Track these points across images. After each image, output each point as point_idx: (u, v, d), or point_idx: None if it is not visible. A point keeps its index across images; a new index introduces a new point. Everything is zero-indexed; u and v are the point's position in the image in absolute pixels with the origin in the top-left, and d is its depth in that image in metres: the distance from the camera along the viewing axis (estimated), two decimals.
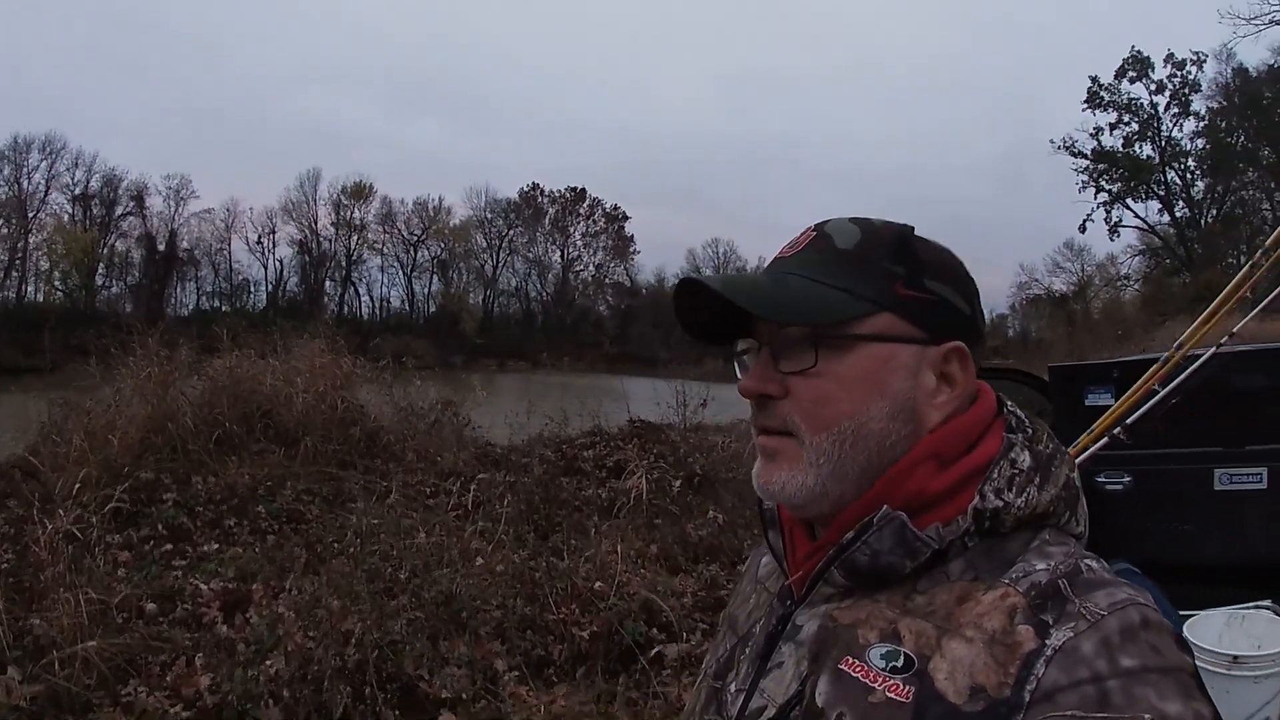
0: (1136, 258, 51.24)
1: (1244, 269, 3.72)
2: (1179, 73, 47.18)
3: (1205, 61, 45.84)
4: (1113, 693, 0.76)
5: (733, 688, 1.04)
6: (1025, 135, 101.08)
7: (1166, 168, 48.19)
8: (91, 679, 4.20)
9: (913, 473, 0.93)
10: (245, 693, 4.10)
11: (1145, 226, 48.94)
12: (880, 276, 0.95)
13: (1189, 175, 48.55)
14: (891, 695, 0.85)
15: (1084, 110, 49.51)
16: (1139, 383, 3.76)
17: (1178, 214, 48.93)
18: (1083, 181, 48.52)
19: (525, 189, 79.39)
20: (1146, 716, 0.74)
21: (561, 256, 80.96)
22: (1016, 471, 0.92)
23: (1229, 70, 44.97)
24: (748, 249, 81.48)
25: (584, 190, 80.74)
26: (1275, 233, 3.66)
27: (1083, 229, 50.16)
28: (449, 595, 5.21)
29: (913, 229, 1.01)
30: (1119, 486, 4.31)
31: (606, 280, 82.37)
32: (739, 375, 1.03)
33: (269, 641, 4.50)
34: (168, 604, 5.25)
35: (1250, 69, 43.58)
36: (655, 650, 5.16)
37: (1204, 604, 3.32)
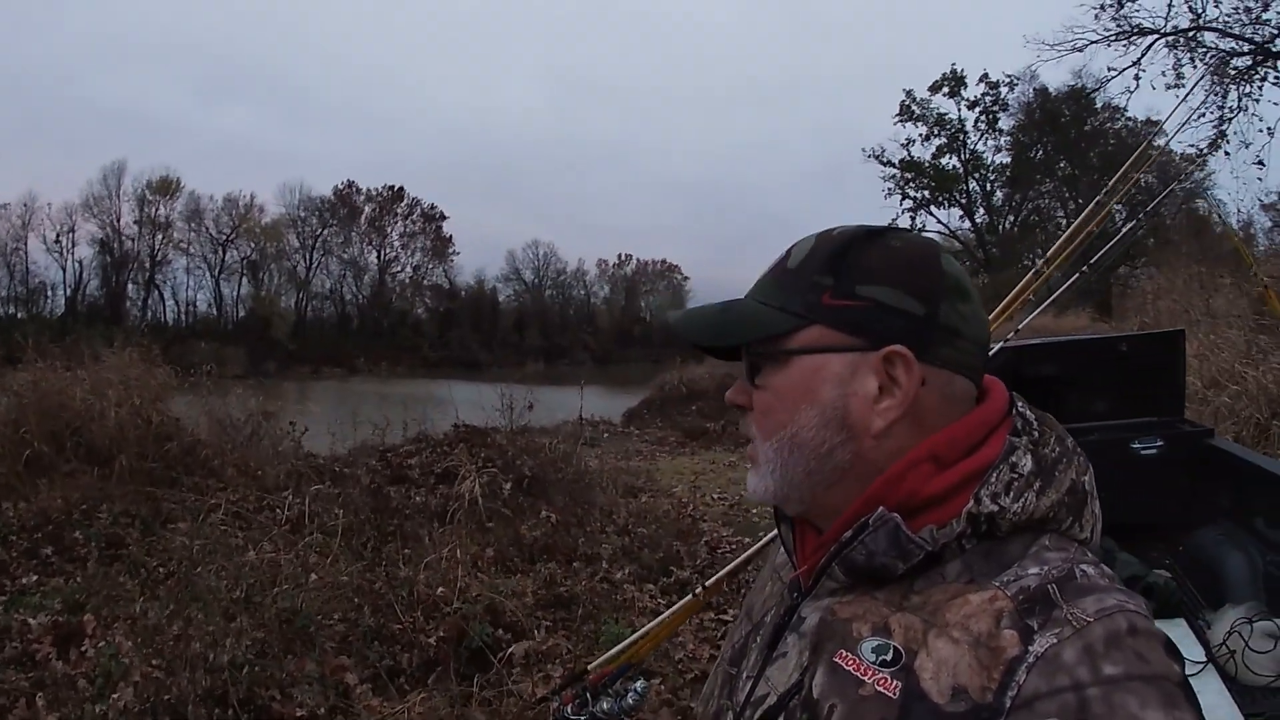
0: None
1: (1030, 274, 4.13)
2: (991, 91, 50.04)
3: (1015, 84, 48.84)
4: (1092, 701, 0.77)
5: (744, 675, 1.08)
6: (840, 144, 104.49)
7: (970, 178, 50.92)
8: None
9: (909, 474, 0.94)
10: None
11: (947, 231, 51.39)
12: (808, 290, 0.99)
13: (989, 185, 51.48)
14: (880, 689, 0.86)
15: (895, 123, 51.70)
16: None
17: (978, 220, 51.81)
18: (889, 189, 50.74)
19: (340, 186, 76.56)
20: None
21: (378, 257, 78.48)
22: (1015, 476, 0.92)
23: (1031, 90, 48.00)
24: (569, 251, 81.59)
25: (402, 189, 78.61)
26: (1057, 244, 4.08)
27: None
28: (291, 612, 5.15)
29: (876, 231, 1.02)
30: None
31: (425, 282, 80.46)
32: None
33: (116, 673, 4.37)
34: None
35: (1051, 90, 46.59)
36: (508, 651, 5.25)
37: None
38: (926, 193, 51.19)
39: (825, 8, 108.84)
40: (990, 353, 4.27)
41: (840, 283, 0.98)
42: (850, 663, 0.91)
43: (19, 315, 58.24)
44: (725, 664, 1.16)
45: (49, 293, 66.01)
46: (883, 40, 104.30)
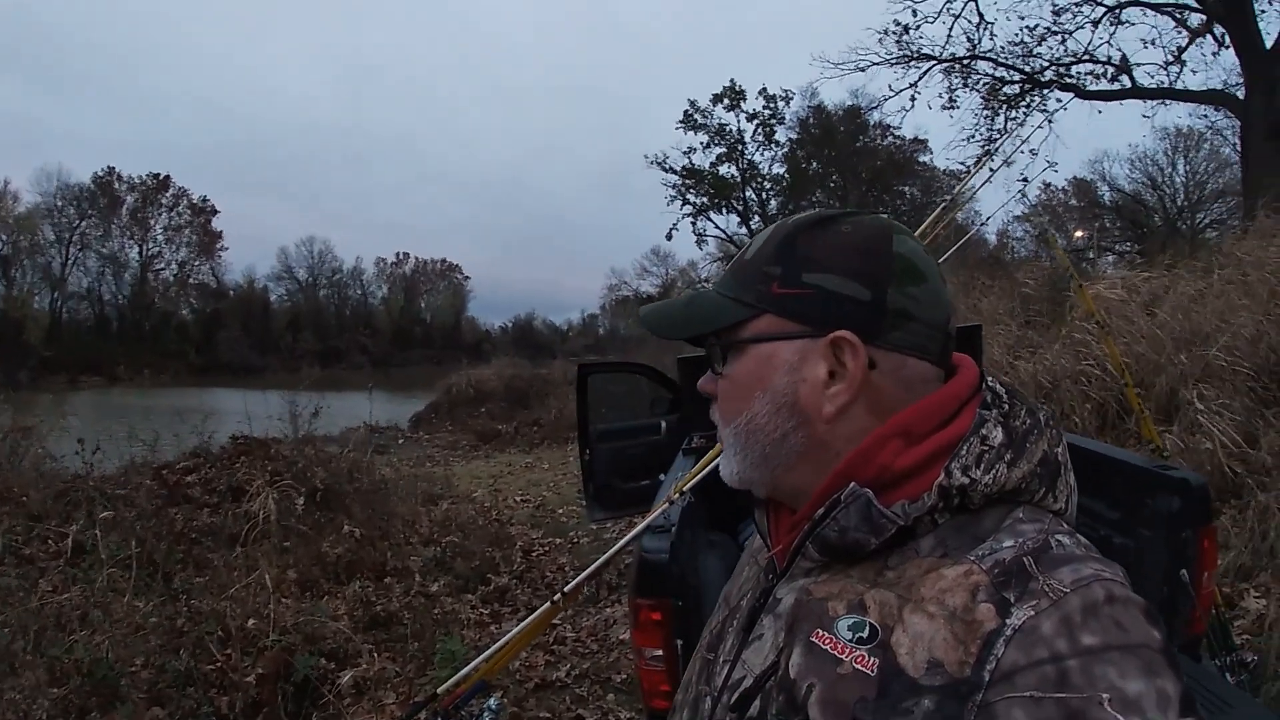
0: (716, 263, 55.95)
1: None
2: (769, 105, 51.63)
3: (793, 98, 50.84)
4: (1071, 672, 0.77)
5: (721, 659, 1.08)
6: (628, 148, 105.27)
7: (747, 186, 52.72)
8: None
9: (880, 449, 0.95)
10: None
11: (725, 236, 53.21)
12: (759, 280, 1.01)
13: (765, 194, 53.37)
14: (858, 667, 0.86)
15: (678, 129, 52.82)
16: None
17: (754, 226, 53.81)
18: (671, 195, 51.94)
19: (101, 174, 70.57)
20: (1105, 696, 0.75)
21: (140, 253, 72.88)
22: (986, 448, 0.93)
23: (808, 106, 50.28)
24: (345, 249, 78.88)
25: (168, 178, 73.60)
26: None
27: (669, 237, 53.76)
28: (90, 661, 4.71)
29: (828, 218, 1.03)
30: None
31: (191, 280, 75.55)
32: None
33: None
34: None
35: (829, 107, 49.12)
36: (337, 681, 5.00)
37: None
38: (706, 199, 52.70)
39: (621, 13, 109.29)
40: None
41: (787, 271, 1.00)
42: (827, 641, 0.91)
43: None
44: (703, 650, 1.16)
45: None
46: (672, 52, 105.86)
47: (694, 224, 51.78)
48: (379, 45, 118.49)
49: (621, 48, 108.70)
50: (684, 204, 51.90)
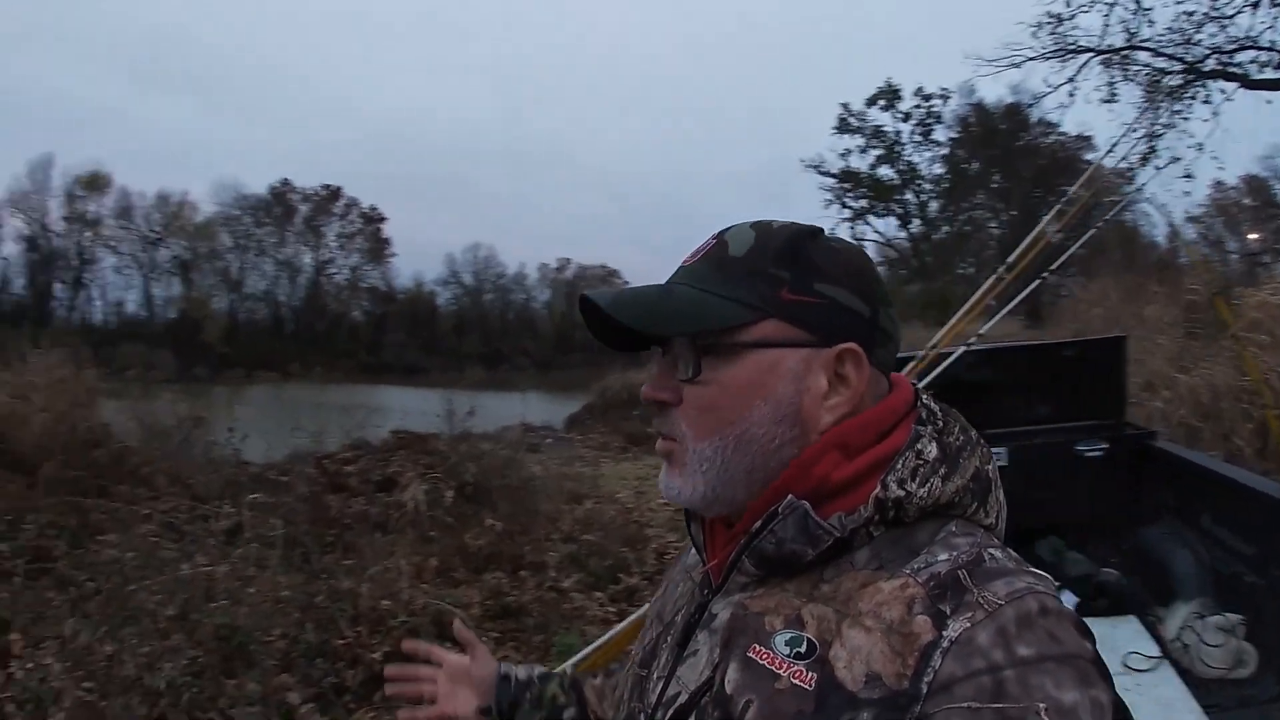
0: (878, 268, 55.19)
1: (990, 280, 4.13)
2: (925, 105, 50.80)
3: (950, 97, 49.83)
4: (1008, 682, 0.77)
5: (654, 675, 1.07)
6: (783, 154, 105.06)
7: (906, 189, 51.66)
8: None
9: (818, 462, 0.94)
10: None
11: (884, 240, 52.23)
12: (765, 283, 0.97)
13: (925, 196, 52.27)
14: (796, 682, 0.86)
15: (833, 135, 52.16)
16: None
17: (913, 230, 52.62)
18: (828, 199, 51.32)
19: (276, 185, 74.67)
20: (1041, 706, 0.76)
21: (314, 259, 76.64)
22: (921, 462, 0.94)
23: (967, 104, 49.01)
24: (509, 254, 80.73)
25: (339, 189, 76.99)
26: (1017, 251, 4.09)
27: None
28: (229, 628, 4.97)
29: (815, 230, 1.03)
30: None
31: (362, 284, 78.76)
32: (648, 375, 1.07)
33: (47, 699, 4.15)
34: None
35: (988, 105, 47.52)
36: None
37: None
38: (865, 202, 51.81)
39: (771, 13, 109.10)
40: (953, 356, 4.28)
41: (797, 278, 0.98)
42: (764, 657, 0.90)
43: None
44: (635, 667, 1.14)
45: None
46: (824, 53, 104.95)
47: (852, 228, 50.86)
48: (534, 57, 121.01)
49: (769, 55, 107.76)
50: (842, 208, 51.23)
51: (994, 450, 3.33)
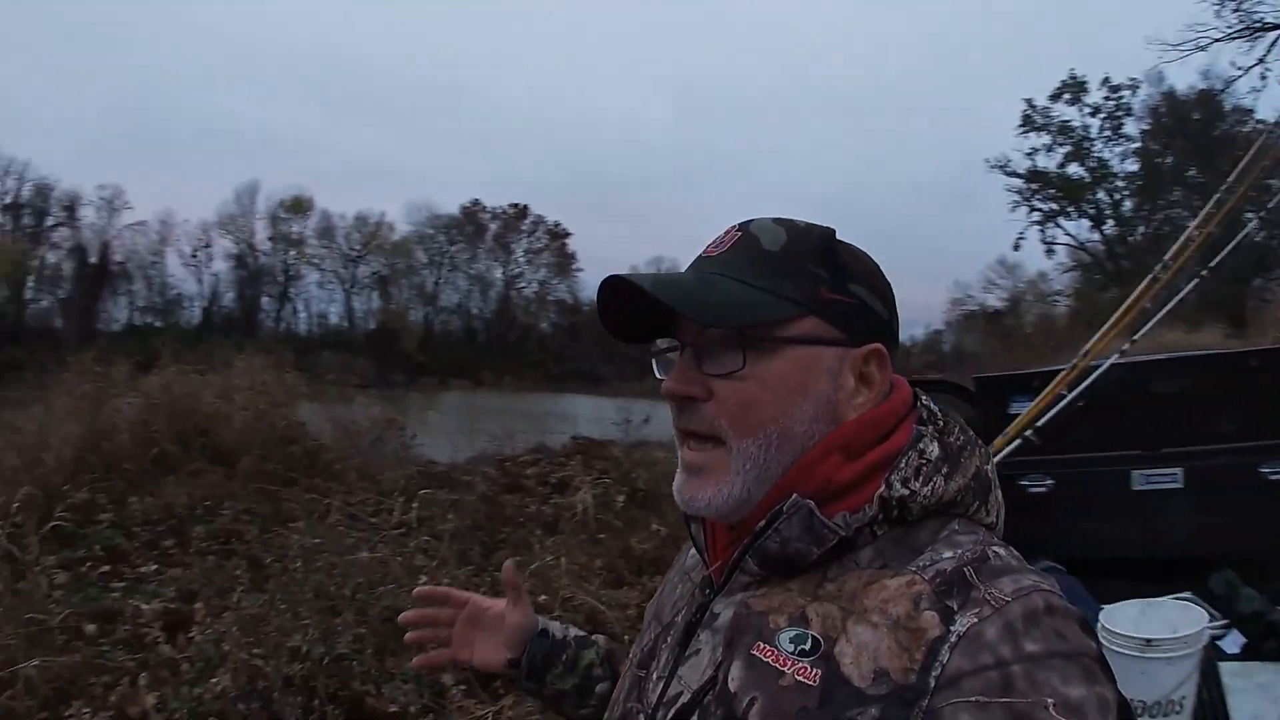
0: (1068, 274, 52.12)
1: (1144, 282, 3.89)
2: (1114, 96, 48.20)
3: (1139, 87, 47.12)
4: (1016, 677, 0.78)
5: (654, 675, 1.07)
6: (965, 155, 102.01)
7: (1098, 187, 49.11)
8: (34, 701, 4.13)
9: (821, 463, 0.95)
10: (192, 711, 4.05)
11: (1076, 244, 49.84)
12: (806, 279, 0.97)
13: (1118, 195, 49.59)
14: (800, 678, 0.86)
15: (1018, 134, 50.17)
16: (1047, 389, 3.94)
17: (1107, 231, 49.92)
18: (1015, 201, 49.34)
19: (467, 205, 79.28)
20: (1049, 701, 0.76)
21: (504, 274, 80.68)
22: (924, 461, 0.95)
23: (1157, 93, 46.28)
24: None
25: (526, 207, 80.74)
26: (1174, 248, 3.84)
27: (1016, 247, 50.79)
28: (394, 610, 5.17)
29: (830, 231, 1.03)
30: (1042, 489, 4.47)
31: (549, 298, 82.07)
32: (659, 374, 1.05)
33: (215, 659, 4.45)
34: (108, 625, 5.14)
35: (1178, 93, 44.93)
36: None
37: (1125, 597, 3.47)
38: (1054, 204, 49.54)
39: (939, 10, 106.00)
40: (1099, 369, 4.05)
41: (834, 277, 0.99)
42: (768, 654, 0.91)
43: (156, 324, 62.15)
44: (634, 668, 1.15)
45: (186, 304, 70.35)
46: (1002, 48, 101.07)
47: (1042, 231, 48.83)
48: (708, 66, 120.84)
49: (947, 54, 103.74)
50: (1030, 210, 49.00)
51: (1168, 471, 3.16)
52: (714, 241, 1.03)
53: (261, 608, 4.99)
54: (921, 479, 0.93)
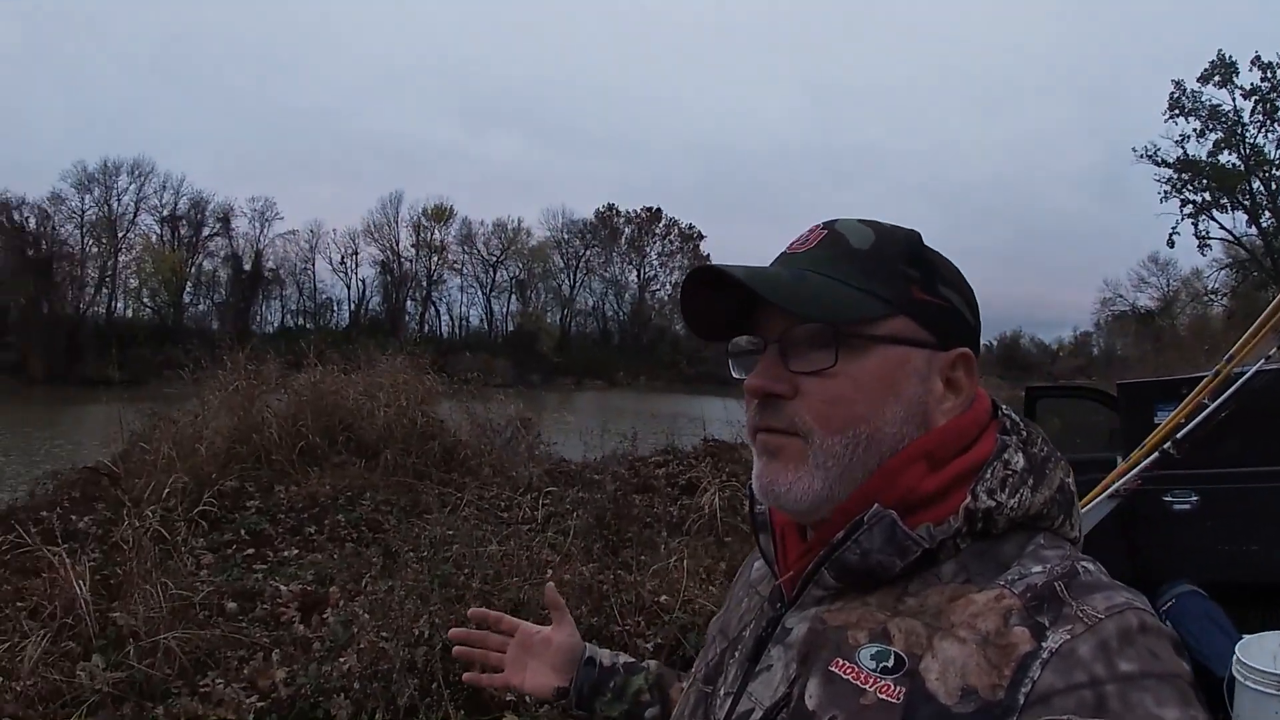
0: (1223, 271, 49.02)
1: None
2: (1268, 77, 45.02)
3: None
4: (1109, 697, 0.75)
5: (721, 692, 1.04)
6: (1114, 144, 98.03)
7: (1252, 176, 46.20)
8: (172, 669, 4.38)
9: (904, 472, 0.92)
10: (318, 687, 4.23)
11: (1232, 238, 46.95)
12: (897, 278, 0.95)
13: (1275, 184, 46.52)
14: (883, 696, 0.84)
15: (1166, 119, 47.48)
16: (1188, 398, 3.74)
17: (1264, 224, 46.86)
18: (1165, 192, 46.83)
19: (601, 209, 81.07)
20: None
21: (638, 276, 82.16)
22: (1010, 472, 0.92)
23: None
24: None
25: (659, 210, 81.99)
26: None
27: (1170, 243, 48.10)
28: (518, 603, 5.28)
29: (920, 235, 1.01)
30: (1186, 506, 4.22)
31: None
32: (736, 373, 1.02)
33: (343, 639, 4.64)
34: (248, 603, 5.45)
35: None
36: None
37: (1272, 628, 3.27)
38: (1206, 195, 46.56)
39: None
40: (1247, 374, 3.82)
41: (926, 278, 0.97)
42: (849, 671, 0.88)
43: (307, 326, 65.63)
44: (699, 683, 1.12)
45: (334, 307, 74.72)
46: (1147, 22, 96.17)
47: (1195, 224, 45.97)
48: (845, 63, 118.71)
49: (1095, 36, 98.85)
50: (1182, 202, 46.27)
51: None
52: (798, 239, 1.01)
53: (390, 593, 5.16)
54: (1008, 490, 0.91)
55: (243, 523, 7.06)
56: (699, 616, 5.65)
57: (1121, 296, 57.92)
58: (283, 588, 5.66)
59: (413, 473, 8.70)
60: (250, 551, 6.63)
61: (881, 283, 0.95)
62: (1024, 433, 0.97)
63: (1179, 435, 3.78)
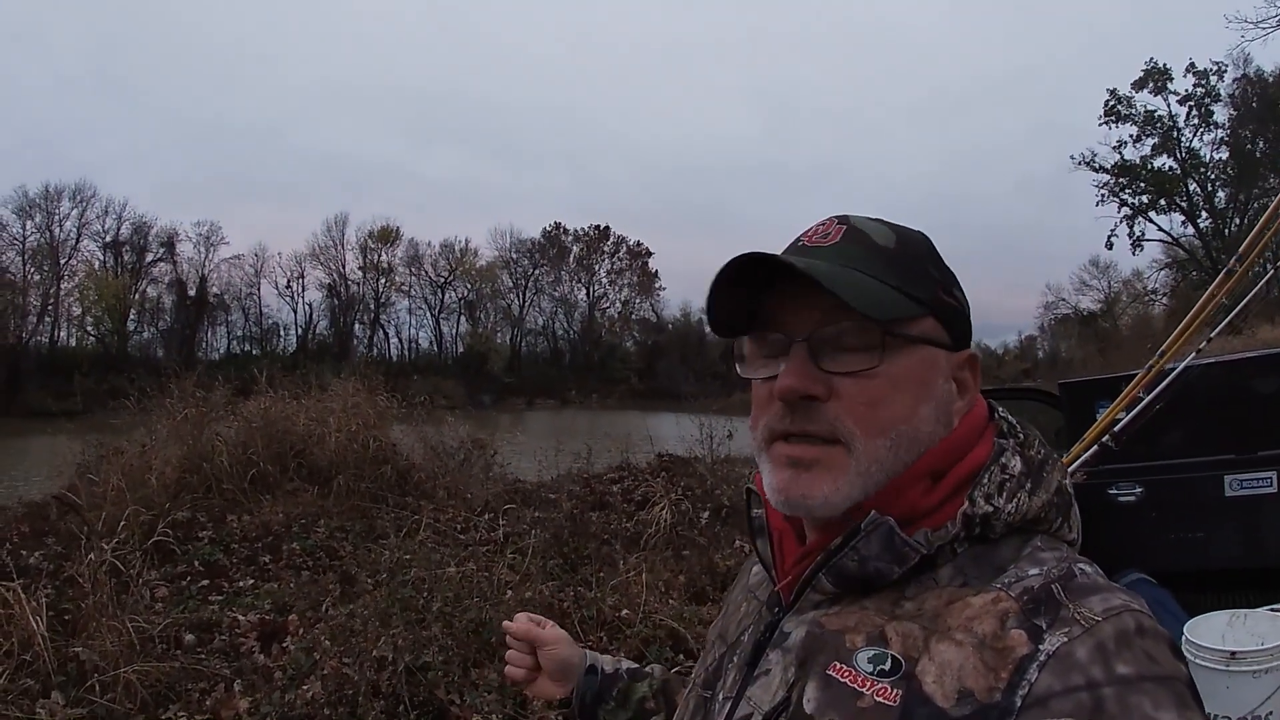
0: (1162, 271, 50.61)
1: (1219, 277, 3.79)
2: (1201, 83, 46.65)
3: (1225, 70, 45.58)
4: (1107, 700, 0.75)
5: (720, 696, 1.04)
6: (1062, 152, 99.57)
7: (1188, 178, 47.55)
8: (133, 703, 4.31)
9: (911, 488, 0.92)
10: (283, 715, 4.19)
11: (1169, 239, 48.39)
12: (927, 279, 0.96)
13: (1210, 185, 47.89)
14: (880, 699, 0.84)
15: (1101, 125, 48.99)
16: (1123, 394, 3.85)
17: (1201, 225, 48.20)
18: (1102, 196, 48.18)
19: (549, 228, 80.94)
20: None
21: (587, 294, 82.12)
22: (1007, 477, 0.92)
23: (1244, 76, 44.73)
24: None
25: (608, 228, 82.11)
26: (1246, 240, 3.73)
27: (1109, 245, 49.60)
28: (479, 623, 5.28)
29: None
30: (1131, 498, 4.32)
31: (633, 316, 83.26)
32: (745, 372, 1.01)
33: (306, 667, 4.61)
34: (206, 634, 5.37)
35: (1266, 74, 43.50)
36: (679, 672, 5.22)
37: (1219, 609, 3.36)
38: (1144, 198, 48.03)
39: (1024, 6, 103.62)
40: (1174, 372, 3.94)
41: (946, 281, 0.98)
42: (846, 674, 0.88)
43: (254, 352, 64.61)
44: (698, 688, 1.12)
45: (281, 332, 73.56)
46: (1075, 35, 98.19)
47: (1131, 226, 47.48)
48: (796, 78, 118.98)
49: (1036, 51, 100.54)
50: (1120, 206, 47.64)
51: (1263, 475, 3.05)
52: (814, 232, 0.99)
53: (351, 618, 5.14)
54: (1005, 495, 0.91)
55: (196, 553, 6.97)
56: (660, 629, 5.68)
57: (1064, 300, 58.84)
58: (241, 618, 5.59)
59: (367, 498, 8.64)
60: (205, 582, 6.54)
61: (914, 282, 0.95)
62: (1021, 435, 0.98)
63: (1117, 428, 3.87)
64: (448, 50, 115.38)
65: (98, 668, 4.43)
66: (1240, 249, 3.58)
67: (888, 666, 0.86)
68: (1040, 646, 0.80)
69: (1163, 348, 3.85)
